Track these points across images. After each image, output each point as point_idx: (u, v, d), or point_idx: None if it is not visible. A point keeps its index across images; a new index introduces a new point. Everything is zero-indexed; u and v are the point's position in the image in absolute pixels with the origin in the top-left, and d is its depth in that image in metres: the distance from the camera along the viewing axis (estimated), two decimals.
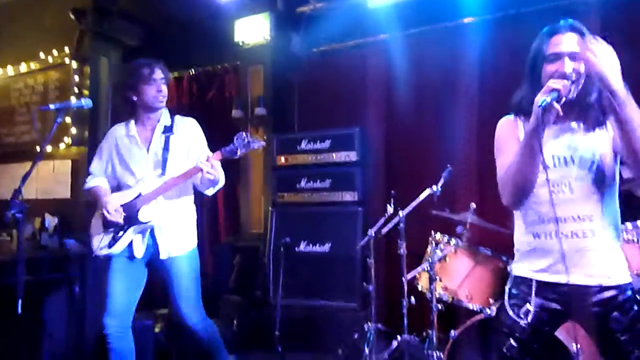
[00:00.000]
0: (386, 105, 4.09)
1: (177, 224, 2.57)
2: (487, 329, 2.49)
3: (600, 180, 1.64)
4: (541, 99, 1.52)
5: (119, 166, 2.59)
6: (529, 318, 1.65)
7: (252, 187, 4.49)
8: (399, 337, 3.23)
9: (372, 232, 3.48)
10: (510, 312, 1.70)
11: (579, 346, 2.22)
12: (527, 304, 1.67)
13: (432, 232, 3.20)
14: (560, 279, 1.62)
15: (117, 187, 2.61)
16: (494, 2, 3.75)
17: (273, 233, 4.11)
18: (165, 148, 2.54)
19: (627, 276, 1.65)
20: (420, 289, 3.19)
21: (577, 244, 1.62)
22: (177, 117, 2.67)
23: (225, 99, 4.90)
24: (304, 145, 4.17)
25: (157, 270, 2.57)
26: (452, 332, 2.61)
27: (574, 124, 1.69)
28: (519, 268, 1.74)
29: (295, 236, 3.99)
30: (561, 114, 1.54)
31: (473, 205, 3.07)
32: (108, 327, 2.42)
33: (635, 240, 2.36)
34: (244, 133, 2.39)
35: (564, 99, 1.55)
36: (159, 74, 2.57)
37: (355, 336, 3.54)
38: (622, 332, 1.57)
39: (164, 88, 2.59)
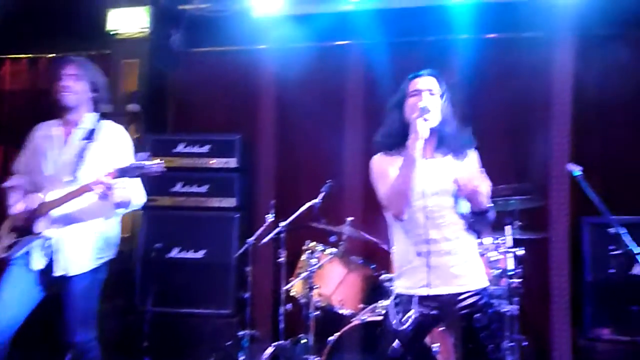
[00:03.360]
0: (271, 115, 4.18)
1: (80, 240, 2.38)
2: (364, 334, 2.73)
3: (469, 215, 1.99)
4: (420, 107, 1.91)
5: (34, 167, 2.41)
6: (411, 324, 1.93)
7: None
8: (274, 343, 3.35)
9: (250, 240, 3.54)
10: (395, 319, 1.96)
11: (438, 345, 2.58)
12: (410, 312, 1.94)
13: (307, 240, 3.38)
14: (440, 290, 1.94)
15: (35, 188, 2.41)
16: (376, 29, 4.07)
17: (143, 238, 3.92)
18: (80, 155, 2.35)
19: (486, 282, 2.04)
20: (293, 294, 3.35)
21: (450, 260, 1.95)
22: (104, 123, 2.49)
23: None
24: (180, 148, 4.04)
25: (55, 284, 2.39)
26: (330, 338, 2.79)
27: (446, 158, 2.03)
28: (402, 285, 2.01)
29: (167, 242, 3.85)
30: (435, 124, 1.92)
31: (350, 218, 3.32)
32: None
33: (483, 253, 2.81)
34: (144, 154, 2.27)
35: (431, 122, 1.91)
36: (69, 69, 2.38)
37: (229, 343, 3.57)
38: (482, 329, 1.92)
39: (72, 84, 2.38)
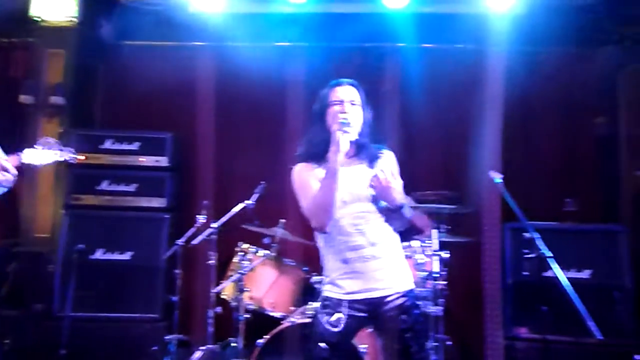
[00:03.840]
0: (205, 114, 4.06)
1: None
2: (293, 336, 2.71)
3: (385, 211, 2.02)
4: (340, 120, 1.91)
5: None
6: (340, 326, 1.93)
7: (40, 183, 3.93)
8: (202, 347, 3.26)
9: (180, 241, 3.44)
10: (324, 321, 1.96)
11: (366, 345, 2.61)
12: (339, 314, 1.95)
13: (239, 242, 3.32)
14: (367, 295, 1.96)
15: None
16: (316, 32, 4.09)
17: (64, 238, 3.69)
18: None
19: (412, 284, 2.07)
20: (224, 297, 3.28)
21: (377, 264, 1.97)
22: None
23: (9, 79, 4.21)
24: (108, 144, 3.86)
25: None
26: (259, 340, 2.75)
27: (362, 165, 2.05)
28: (332, 291, 2.00)
29: (91, 243, 3.65)
30: (356, 137, 1.93)
31: (282, 220, 3.29)
32: None
33: (410, 256, 2.88)
34: (50, 139, 2.07)
35: (351, 134, 1.92)
36: None
37: (155, 348, 3.43)
38: (407, 330, 1.95)
39: None
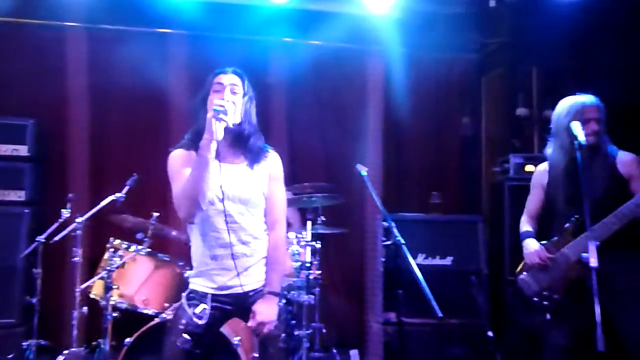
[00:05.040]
0: (75, 100, 3.77)
1: None
2: (164, 333, 2.61)
3: (259, 209, 2.02)
4: (214, 107, 1.84)
5: None
6: (205, 318, 1.91)
7: None
8: (65, 351, 3.03)
9: (41, 238, 3.16)
10: (188, 311, 1.93)
11: (239, 338, 2.60)
12: (203, 305, 1.93)
13: (111, 238, 3.14)
14: (234, 290, 1.95)
15: None
16: (202, 21, 3.95)
17: None
18: None
19: None
20: (94, 297, 3.09)
21: (246, 261, 1.97)
22: None
23: None
24: None
25: None
26: (127, 340, 2.63)
27: (242, 165, 2.01)
28: (199, 283, 1.97)
29: None
30: (231, 125, 1.88)
31: (155, 213, 3.17)
32: None
33: (286, 248, 2.93)
34: None
35: (227, 122, 1.86)
36: None
37: (11, 356, 3.12)
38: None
39: None
